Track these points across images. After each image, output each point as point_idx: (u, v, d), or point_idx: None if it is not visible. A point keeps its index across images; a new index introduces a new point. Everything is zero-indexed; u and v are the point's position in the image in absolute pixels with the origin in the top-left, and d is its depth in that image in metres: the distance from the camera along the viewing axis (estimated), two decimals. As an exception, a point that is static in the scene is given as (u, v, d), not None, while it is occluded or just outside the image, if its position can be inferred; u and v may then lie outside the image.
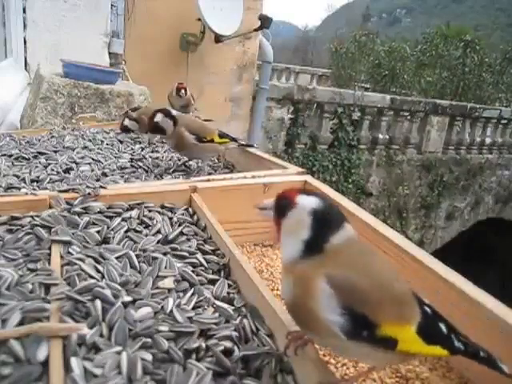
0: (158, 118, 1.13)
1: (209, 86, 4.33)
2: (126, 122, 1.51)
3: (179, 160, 1.29)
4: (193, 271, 0.66)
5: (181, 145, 1.18)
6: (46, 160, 1.15)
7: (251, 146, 1.31)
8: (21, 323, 0.48)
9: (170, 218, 0.80)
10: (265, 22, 4.34)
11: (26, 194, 0.79)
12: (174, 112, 1.18)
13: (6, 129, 1.81)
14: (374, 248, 0.51)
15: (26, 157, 1.17)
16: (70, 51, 2.65)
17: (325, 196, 0.51)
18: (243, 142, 1.29)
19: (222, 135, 1.23)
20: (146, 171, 1.17)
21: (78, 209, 0.75)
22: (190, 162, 1.27)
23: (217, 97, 4.26)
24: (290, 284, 0.47)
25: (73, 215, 0.73)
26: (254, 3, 4.42)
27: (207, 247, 0.74)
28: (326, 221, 0.47)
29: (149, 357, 0.47)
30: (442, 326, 0.45)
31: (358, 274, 0.45)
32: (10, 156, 1.18)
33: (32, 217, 0.71)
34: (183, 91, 1.91)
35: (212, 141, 1.20)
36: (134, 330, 0.50)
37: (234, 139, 1.26)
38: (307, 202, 0.47)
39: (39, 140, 1.38)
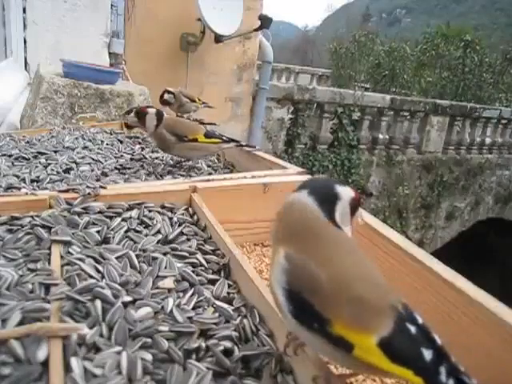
0: (151, 112, 1.22)
1: (209, 85, 4.33)
2: (128, 119, 1.54)
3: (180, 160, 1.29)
4: (193, 271, 0.66)
5: (162, 144, 1.21)
6: (46, 160, 1.15)
7: (253, 147, 1.29)
8: (21, 323, 0.48)
9: (170, 218, 0.80)
10: (265, 22, 4.34)
11: (26, 193, 0.79)
12: (164, 114, 1.22)
13: (6, 129, 1.81)
14: (354, 249, 0.48)
15: (26, 157, 1.17)
16: (69, 51, 2.65)
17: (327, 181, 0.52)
18: (243, 143, 1.27)
19: (210, 135, 1.21)
20: (148, 172, 1.17)
21: (78, 209, 0.75)
22: (190, 162, 1.27)
23: (217, 97, 4.26)
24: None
25: (73, 215, 0.73)
26: (253, 3, 4.43)
27: (207, 247, 0.74)
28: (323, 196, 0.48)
29: (149, 357, 0.47)
30: (426, 352, 0.40)
31: (319, 260, 0.43)
32: (10, 156, 1.18)
33: (32, 217, 0.71)
34: (169, 96, 1.84)
35: (195, 140, 1.19)
36: (134, 329, 0.50)
37: (230, 140, 1.24)
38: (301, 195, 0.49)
39: (39, 140, 1.38)
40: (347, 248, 0.47)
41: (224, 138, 1.23)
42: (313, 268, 0.43)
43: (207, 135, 1.21)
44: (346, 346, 0.40)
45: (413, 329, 0.41)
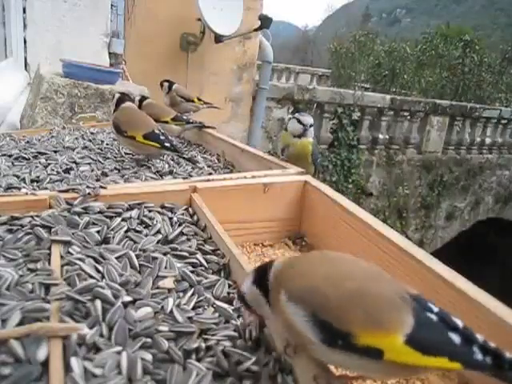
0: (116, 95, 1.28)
1: (209, 85, 4.33)
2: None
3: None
4: (193, 271, 0.66)
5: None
6: (46, 160, 1.15)
7: (192, 160, 1.24)
8: (21, 323, 0.48)
9: (170, 218, 0.80)
10: (265, 22, 4.34)
11: (26, 193, 0.79)
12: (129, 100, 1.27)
13: (6, 129, 1.81)
14: (342, 255, 0.49)
15: (26, 157, 1.17)
16: (70, 51, 2.65)
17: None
18: (185, 156, 1.23)
19: (151, 138, 1.16)
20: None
21: (78, 209, 0.75)
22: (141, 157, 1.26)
23: (217, 97, 4.26)
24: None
25: (73, 215, 0.73)
26: (253, 3, 4.42)
27: (207, 247, 0.74)
28: (262, 273, 0.50)
29: (149, 357, 0.47)
30: (454, 336, 0.40)
31: (315, 281, 0.44)
32: (10, 156, 1.18)
33: (32, 217, 0.71)
34: (165, 85, 1.83)
35: (133, 138, 1.17)
36: (134, 330, 0.50)
37: (174, 149, 1.18)
38: (245, 283, 0.52)
39: (39, 140, 1.38)
40: (338, 258, 0.48)
41: (167, 144, 1.17)
42: (318, 289, 0.43)
43: (147, 136, 1.17)
44: (375, 353, 0.40)
45: (433, 317, 0.41)
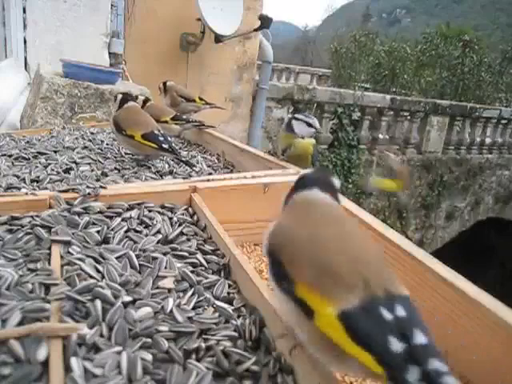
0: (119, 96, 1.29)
1: (209, 85, 4.33)
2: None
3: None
4: (193, 271, 0.66)
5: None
6: (46, 160, 1.15)
7: (188, 164, 1.22)
8: (21, 323, 0.48)
9: (170, 218, 0.80)
10: (265, 22, 4.33)
11: (26, 193, 0.79)
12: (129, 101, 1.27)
13: (6, 129, 1.81)
14: (357, 229, 0.49)
15: (26, 157, 1.17)
16: (70, 51, 2.66)
17: (325, 173, 0.57)
18: (183, 159, 1.21)
19: (149, 138, 1.15)
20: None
21: (78, 209, 0.75)
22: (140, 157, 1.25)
23: (217, 97, 4.26)
24: None
25: (73, 215, 0.73)
26: (253, 3, 4.42)
27: (207, 247, 0.74)
28: (301, 181, 0.55)
29: (149, 357, 0.47)
30: (395, 342, 0.35)
31: (295, 226, 0.46)
32: (10, 156, 1.18)
33: (32, 217, 0.71)
34: (161, 87, 1.83)
35: (132, 137, 1.16)
36: (134, 330, 0.50)
37: (172, 151, 1.16)
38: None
39: (39, 140, 1.38)
40: (349, 227, 0.49)
41: (165, 146, 1.16)
42: (289, 229, 0.46)
43: (145, 136, 1.16)
44: (306, 310, 0.40)
45: (388, 315, 0.37)
